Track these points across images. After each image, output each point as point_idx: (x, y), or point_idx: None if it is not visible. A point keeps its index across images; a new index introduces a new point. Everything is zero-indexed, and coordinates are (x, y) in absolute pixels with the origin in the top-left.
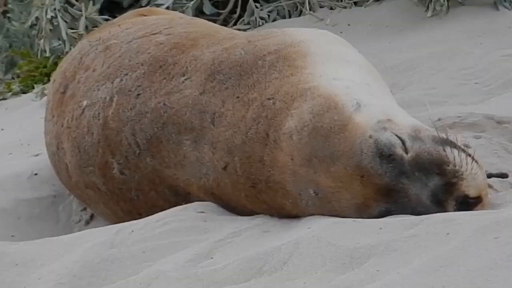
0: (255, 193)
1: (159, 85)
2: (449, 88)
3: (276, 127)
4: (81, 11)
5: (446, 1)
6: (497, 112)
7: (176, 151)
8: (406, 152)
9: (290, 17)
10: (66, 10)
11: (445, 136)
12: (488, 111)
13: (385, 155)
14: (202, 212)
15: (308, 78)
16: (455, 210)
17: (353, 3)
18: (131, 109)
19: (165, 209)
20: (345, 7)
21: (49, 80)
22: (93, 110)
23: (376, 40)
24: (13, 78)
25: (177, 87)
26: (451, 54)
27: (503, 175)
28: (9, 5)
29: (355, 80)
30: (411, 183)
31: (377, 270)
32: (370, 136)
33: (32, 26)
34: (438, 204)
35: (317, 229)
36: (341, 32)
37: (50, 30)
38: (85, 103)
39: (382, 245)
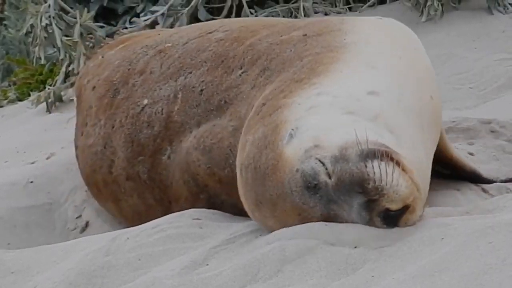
0: None
1: (220, 80)
2: (443, 93)
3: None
4: (75, 18)
5: (440, 6)
6: (492, 116)
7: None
8: (330, 177)
9: None
10: (60, 18)
11: (371, 147)
12: (482, 116)
13: (311, 186)
14: (198, 219)
15: (295, 93)
16: (383, 225)
17: (347, 8)
18: (196, 106)
19: (187, 202)
20: (339, 12)
21: (44, 87)
22: (155, 107)
23: None
24: (9, 86)
25: (235, 82)
26: (446, 59)
27: None
28: (6, 12)
29: (340, 95)
30: (340, 207)
31: (372, 276)
32: (297, 170)
33: (27, 33)
34: (367, 222)
35: (311, 235)
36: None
37: (45, 37)
38: (145, 102)
39: (377, 250)
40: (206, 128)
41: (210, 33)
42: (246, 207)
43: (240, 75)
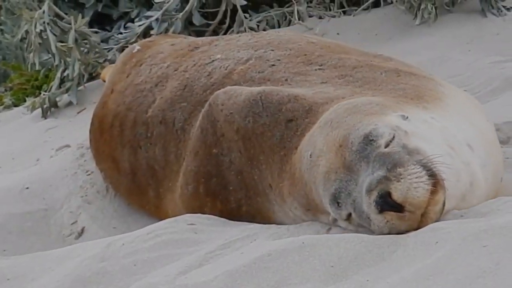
0: None
1: (294, 65)
2: None
3: None
4: (70, 24)
5: (434, 9)
6: None
7: None
8: (386, 147)
9: (279, 26)
10: (55, 24)
11: (433, 165)
12: None
13: (368, 139)
14: (193, 224)
15: (404, 106)
16: (374, 202)
17: (341, 12)
18: (258, 72)
19: (197, 158)
20: (334, 16)
21: (40, 93)
22: (224, 62)
23: (365, 49)
24: (6, 90)
25: (307, 72)
26: (440, 62)
27: None
28: (2, 18)
29: (448, 129)
30: (366, 168)
31: (367, 280)
32: (376, 124)
33: (22, 39)
34: (367, 192)
35: (306, 239)
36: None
37: (40, 43)
38: (218, 56)
39: (371, 254)
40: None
41: (305, 36)
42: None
43: (316, 69)
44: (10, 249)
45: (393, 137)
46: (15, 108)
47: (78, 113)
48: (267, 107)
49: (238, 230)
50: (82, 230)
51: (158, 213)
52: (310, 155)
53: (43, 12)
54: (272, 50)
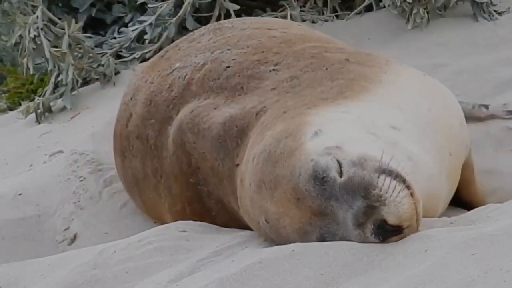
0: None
1: (249, 65)
2: None
3: (253, 145)
4: (63, 29)
5: (426, 14)
6: None
7: None
8: (341, 176)
9: None
10: (49, 29)
11: (389, 167)
12: None
13: (319, 177)
14: (184, 231)
15: (319, 107)
16: (372, 235)
17: (334, 16)
18: (214, 80)
19: (176, 183)
20: (327, 20)
21: (35, 97)
22: (182, 71)
23: None
24: (3, 93)
25: (262, 74)
26: (432, 67)
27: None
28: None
29: (364, 118)
30: (339, 206)
31: None
32: (312, 160)
33: (16, 44)
34: (358, 227)
35: (296, 247)
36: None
37: (33, 48)
38: (177, 64)
39: (361, 262)
40: (207, 103)
41: (269, 29)
42: (247, 191)
43: (270, 70)
44: (3, 255)
45: (338, 161)
46: (10, 112)
47: (72, 118)
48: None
49: (230, 237)
50: (75, 236)
51: (153, 216)
52: (266, 220)
53: (37, 17)
54: (229, 50)
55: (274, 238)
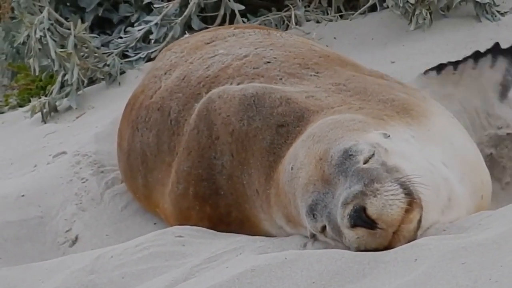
0: None
1: (289, 65)
2: None
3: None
4: (69, 29)
5: (429, 14)
6: None
7: None
8: (364, 163)
9: None
10: (55, 29)
11: (410, 183)
12: None
13: (348, 153)
14: (180, 236)
15: (391, 120)
16: (347, 216)
17: (339, 16)
18: (253, 68)
19: (189, 159)
20: (331, 20)
21: (45, 93)
22: (224, 57)
23: (360, 54)
24: (13, 89)
25: (302, 75)
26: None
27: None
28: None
29: (427, 146)
30: (344, 182)
31: None
32: (357, 141)
33: (23, 43)
34: (343, 206)
35: (289, 255)
36: (327, 46)
37: (39, 49)
38: (221, 51)
39: (352, 271)
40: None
41: (312, 44)
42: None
43: (311, 75)
44: (5, 257)
45: (373, 154)
46: (20, 109)
47: (77, 117)
48: (259, 110)
49: (226, 243)
50: (76, 238)
51: (148, 204)
52: (292, 167)
53: (43, 18)
54: (271, 50)
55: (287, 189)
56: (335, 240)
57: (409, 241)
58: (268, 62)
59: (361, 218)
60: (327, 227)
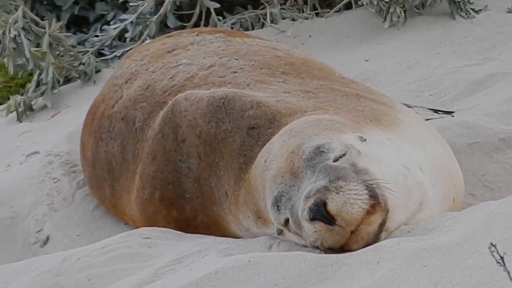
0: None
1: (258, 73)
2: (403, 100)
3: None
4: (44, 28)
5: (403, 12)
6: None
7: None
8: (335, 161)
9: (253, 28)
10: (29, 28)
11: (378, 185)
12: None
13: (319, 150)
14: (147, 238)
15: (365, 125)
16: (307, 208)
17: (314, 14)
18: (219, 77)
19: (154, 163)
20: (306, 18)
21: (24, 91)
22: (188, 67)
23: (335, 52)
24: None
25: (270, 81)
26: (408, 65)
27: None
28: None
29: (402, 149)
30: (310, 176)
31: None
32: (331, 140)
33: None
34: (305, 199)
35: (253, 257)
36: (302, 44)
37: (14, 48)
38: (184, 61)
39: (315, 273)
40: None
41: (275, 49)
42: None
43: (278, 81)
44: None
45: (344, 153)
46: (0, 107)
47: (52, 116)
48: (229, 112)
49: (192, 245)
50: (47, 238)
51: (115, 212)
52: (265, 160)
53: (18, 16)
54: (236, 59)
55: (259, 182)
56: (298, 234)
57: (368, 244)
58: (235, 72)
59: (320, 212)
60: (290, 220)
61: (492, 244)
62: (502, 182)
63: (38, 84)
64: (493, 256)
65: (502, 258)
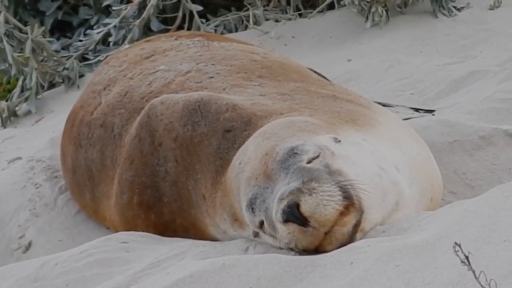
0: None
1: (234, 78)
2: (385, 99)
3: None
4: (27, 34)
5: (385, 12)
6: None
7: None
8: (308, 163)
9: (236, 30)
10: (12, 34)
11: (354, 186)
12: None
13: (293, 152)
14: (125, 242)
15: (340, 127)
16: (280, 210)
17: (297, 15)
18: (196, 83)
19: (131, 167)
20: (290, 19)
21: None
22: (165, 73)
23: (319, 52)
24: None
25: (246, 85)
26: (390, 64)
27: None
28: None
29: (378, 149)
30: (284, 178)
31: None
32: (305, 141)
33: None
34: (279, 201)
35: (227, 260)
36: (285, 45)
37: None
38: (162, 67)
39: (289, 275)
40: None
41: (252, 53)
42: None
43: (254, 85)
44: None
45: (318, 155)
46: None
47: (36, 122)
48: (205, 116)
49: (169, 248)
50: (30, 244)
51: (96, 217)
52: (240, 162)
53: (0, 22)
54: (213, 65)
55: (234, 184)
56: (273, 236)
57: (342, 244)
58: (211, 77)
59: (294, 214)
60: (265, 222)
61: (456, 243)
62: (483, 180)
63: (22, 90)
64: (458, 255)
65: (467, 257)
